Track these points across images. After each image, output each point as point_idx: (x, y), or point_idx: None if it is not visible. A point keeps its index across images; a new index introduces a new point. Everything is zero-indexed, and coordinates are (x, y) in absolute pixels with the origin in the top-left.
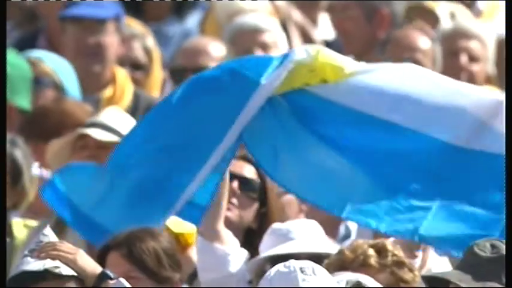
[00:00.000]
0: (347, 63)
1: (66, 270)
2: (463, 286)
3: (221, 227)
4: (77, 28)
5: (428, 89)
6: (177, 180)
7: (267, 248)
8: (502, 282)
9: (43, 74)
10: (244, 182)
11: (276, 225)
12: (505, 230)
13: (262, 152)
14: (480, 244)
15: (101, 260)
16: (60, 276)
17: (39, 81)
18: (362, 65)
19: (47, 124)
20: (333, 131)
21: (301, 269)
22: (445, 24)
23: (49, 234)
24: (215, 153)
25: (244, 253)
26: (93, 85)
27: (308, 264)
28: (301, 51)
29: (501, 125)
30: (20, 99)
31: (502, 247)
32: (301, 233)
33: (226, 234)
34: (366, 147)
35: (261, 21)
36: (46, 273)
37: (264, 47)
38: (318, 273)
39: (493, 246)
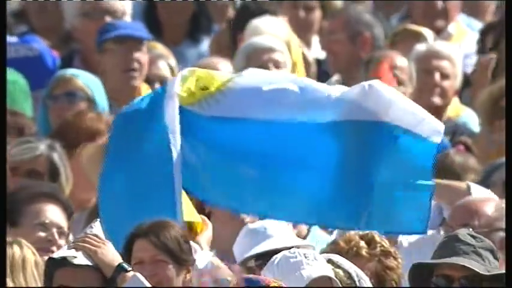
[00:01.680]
0: (220, 73)
1: (81, 260)
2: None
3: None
4: (119, 46)
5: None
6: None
7: (246, 246)
8: (493, 265)
9: (77, 88)
10: None
11: (250, 226)
12: (505, 230)
13: (197, 186)
14: (461, 234)
15: (128, 247)
16: (76, 265)
17: (74, 94)
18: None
19: (70, 135)
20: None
21: (305, 255)
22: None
23: (95, 227)
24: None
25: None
26: (124, 98)
27: (310, 251)
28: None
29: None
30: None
31: (481, 236)
32: (276, 230)
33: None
34: (268, 150)
35: (272, 43)
36: (64, 261)
37: (277, 64)
38: (318, 259)
39: (471, 236)
